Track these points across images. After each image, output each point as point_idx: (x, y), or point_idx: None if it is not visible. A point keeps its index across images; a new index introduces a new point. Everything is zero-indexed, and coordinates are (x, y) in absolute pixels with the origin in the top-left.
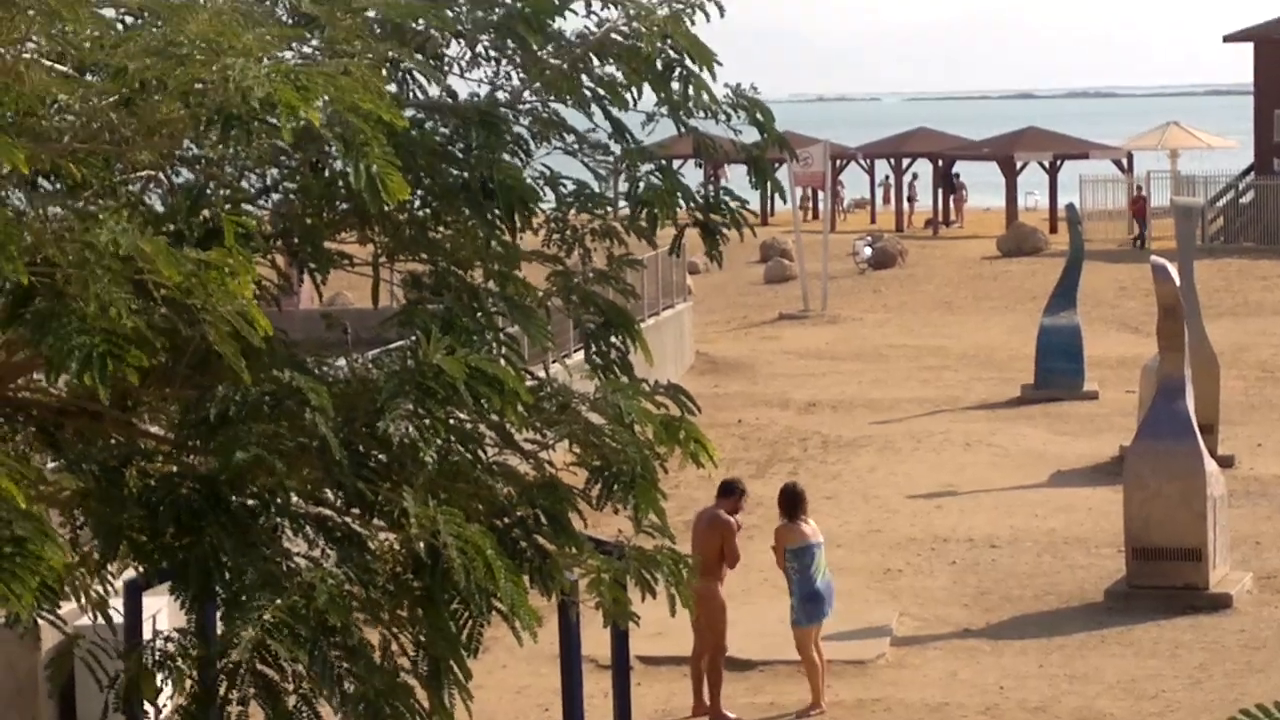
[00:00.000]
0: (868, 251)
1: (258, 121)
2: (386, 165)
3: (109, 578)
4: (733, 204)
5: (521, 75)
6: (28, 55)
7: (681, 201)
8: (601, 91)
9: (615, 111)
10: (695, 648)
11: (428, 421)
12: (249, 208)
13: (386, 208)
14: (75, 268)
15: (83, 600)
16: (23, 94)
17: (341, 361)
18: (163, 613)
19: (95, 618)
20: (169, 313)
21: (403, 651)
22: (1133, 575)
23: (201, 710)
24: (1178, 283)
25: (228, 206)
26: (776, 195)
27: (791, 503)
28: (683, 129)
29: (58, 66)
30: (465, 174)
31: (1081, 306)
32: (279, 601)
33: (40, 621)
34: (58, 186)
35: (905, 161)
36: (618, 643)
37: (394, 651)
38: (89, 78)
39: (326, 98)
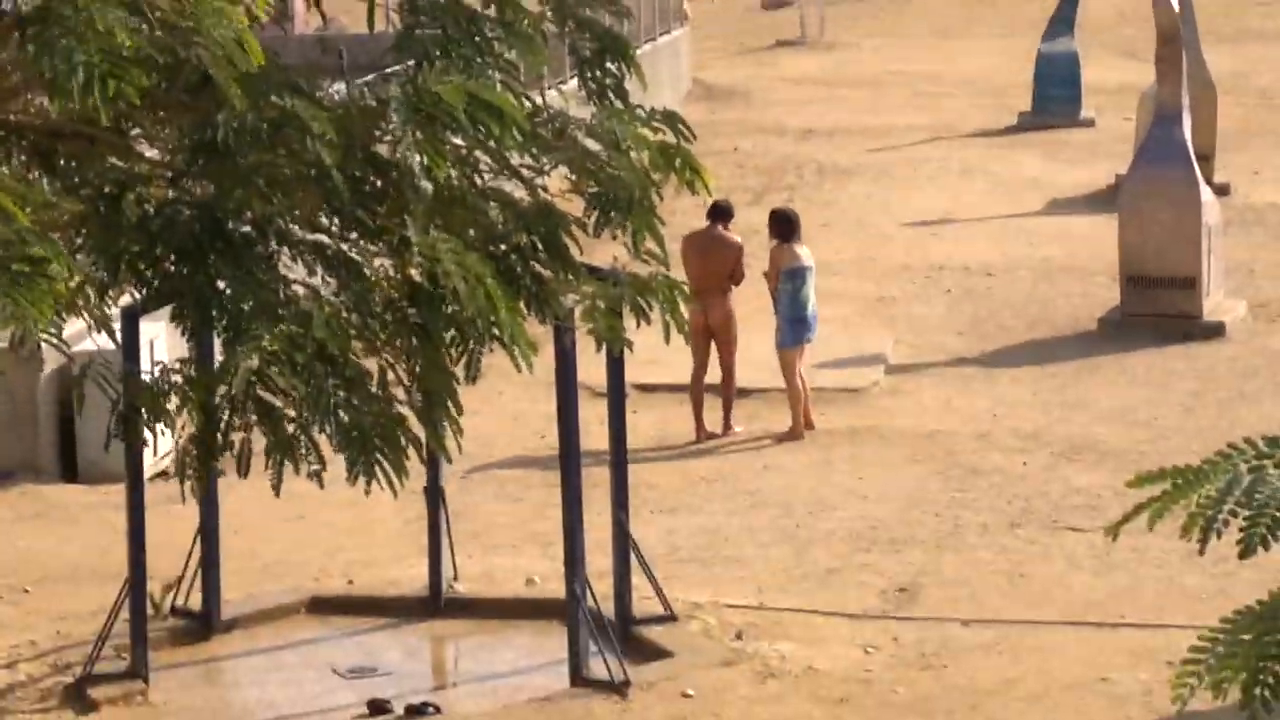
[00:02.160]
0: None
1: None
2: None
3: (109, 302)
4: None
5: None
6: None
7: None
8: None
9: None
10: (694, 371)
11: (435, 147)
12: None
13: None
14: None
15: (87, 320)
16: None
17: (337, 86)
18: (160, 339)
19: (101, 335)
20: (165, 35)
21: (399, 382)
22: (1127, 303)
23: (209, 435)
24: (1177, 8)
25: None
26: None
27: (787, 224)
28: None
29: None
30: None
31: (1080, 33)
32: (278, 329)
33: (42, 345)
34: None
35: None
36: (613, 369)
37: (390, 382)
38: None
39: None
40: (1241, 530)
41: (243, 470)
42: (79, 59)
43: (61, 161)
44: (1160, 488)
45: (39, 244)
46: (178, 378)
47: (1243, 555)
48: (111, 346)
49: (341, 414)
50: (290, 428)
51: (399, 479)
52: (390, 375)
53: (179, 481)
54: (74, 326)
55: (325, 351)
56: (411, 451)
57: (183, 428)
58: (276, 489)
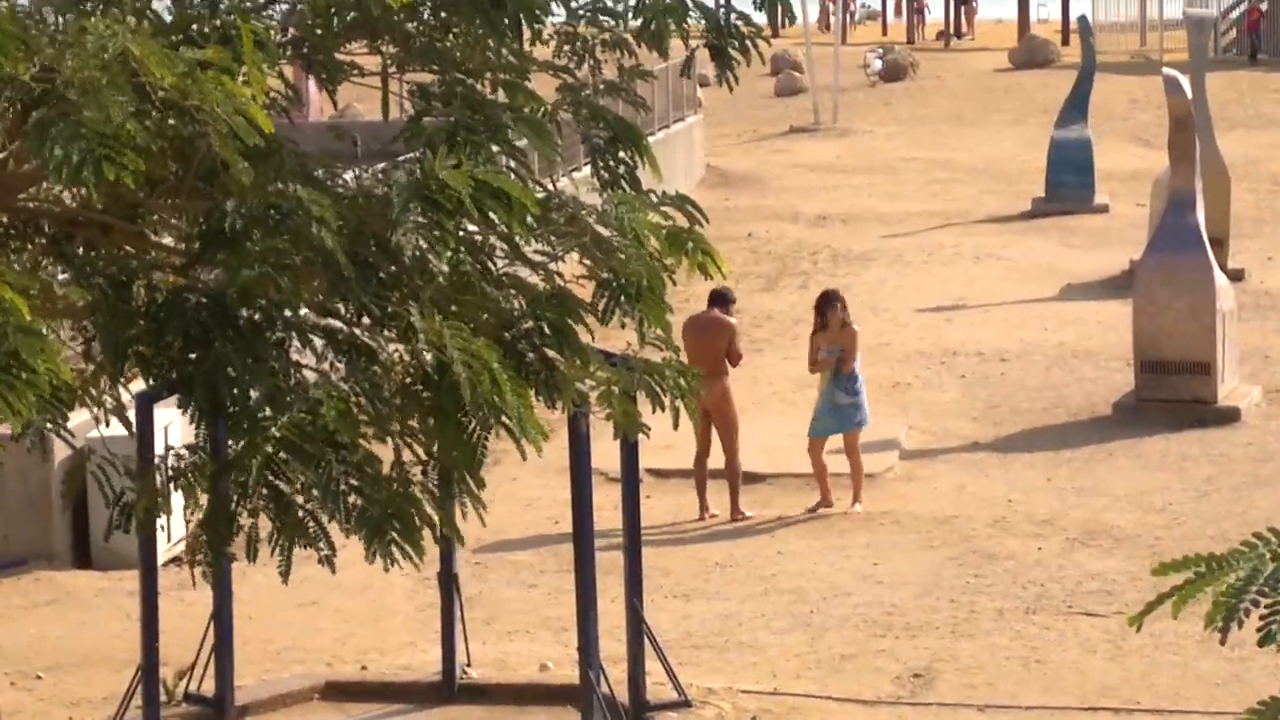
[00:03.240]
0: (878, 64)
1: None
2: None
3: (124, 388)
4: (745, 29)
5: None
6: None
7: (693, 13)
8: None
9: None
10: (698, 453)
11: (438, 233)
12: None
13: (396, 17)
14: (75, 72)
15: (99, 410)
16: None
17: (351, 174)
18: (175, 424)
19: (108, 425)
20: (176, 121)
21: (416, 461)
22: (1141, 389)
23: (219, 521)
24: (1189, 95)
25: (242, 9)
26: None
27: (841, 306)
28: None
29: None
30: None
31: (1093, 119)
32: (284, 419)
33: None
34: None
35: None
36: (627, 455)
37: (407, 463)
38: None
39: None
40: (1263, 618)
41: (251, 555)
42: (74, 144)
43: (79, 250)
44: (1183, 576)
45: (18, 335)
46: (187, 464)
47: (1262, 643)
48: (125, 433)
49: (352, 499)
50: (300, 513)
51: (418, 558)
52: (407, 455)
53: (189, 567)
54: (84, 414)
55: (334, 438)
56: (427, 534)
57: (190, 514)
58: (285, 575)
